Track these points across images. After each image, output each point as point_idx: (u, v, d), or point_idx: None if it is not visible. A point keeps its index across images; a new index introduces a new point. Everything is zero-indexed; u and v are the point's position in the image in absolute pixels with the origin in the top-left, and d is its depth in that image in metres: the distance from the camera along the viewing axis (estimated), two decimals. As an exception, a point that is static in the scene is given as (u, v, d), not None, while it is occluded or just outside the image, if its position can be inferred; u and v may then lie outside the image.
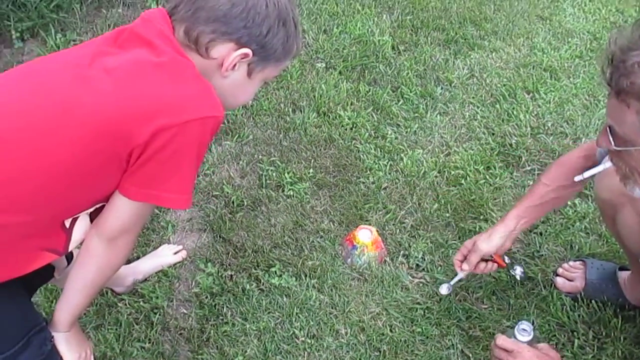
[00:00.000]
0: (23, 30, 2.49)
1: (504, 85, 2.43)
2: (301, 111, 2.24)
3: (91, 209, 1.00)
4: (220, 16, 0.93)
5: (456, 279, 1.57)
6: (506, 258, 1.55)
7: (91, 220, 1.01)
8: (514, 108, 2.31)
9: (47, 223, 0.96)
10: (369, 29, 2.62)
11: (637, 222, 1.38)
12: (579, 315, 1.63)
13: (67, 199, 0.94)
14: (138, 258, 1.71)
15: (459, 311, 1.64)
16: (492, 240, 1.47)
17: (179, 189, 0.96)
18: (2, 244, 0.92)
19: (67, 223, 0.99)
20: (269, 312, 1.62)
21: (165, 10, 0.98)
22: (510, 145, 2.15)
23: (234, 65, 0.97)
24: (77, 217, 0.99)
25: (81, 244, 1.03)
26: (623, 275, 1.65)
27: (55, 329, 1.09)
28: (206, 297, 1.65)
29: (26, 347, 1.02)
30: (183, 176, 0.95)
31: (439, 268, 1.76)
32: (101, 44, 0.96)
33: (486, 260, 1.51)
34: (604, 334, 1.58)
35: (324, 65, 2.45)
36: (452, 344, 1.57)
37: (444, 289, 1.59)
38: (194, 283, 1.70)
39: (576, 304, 1.66)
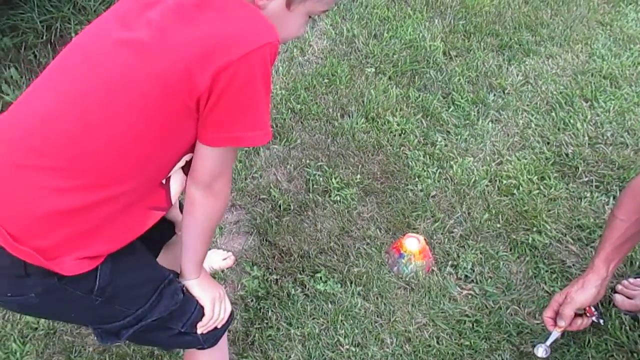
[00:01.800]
0: (82, 33, 2.59)
1: (561, 92, 2.34)
2: (350, 116, 2.22)
3: (182, 163, 1.00)
4: None
5: (551, 339, 1.41)
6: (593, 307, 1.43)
7: (185, 172, 1.03)
8: (570, 116, 2.22)
9: (145, 186, 0.98)
10: (420, 34, 2.59)
11: None
12: (639, 336, 1.54)
13: (160, 156, 0.95)
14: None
15: (509, 325, 1.58)
16: (587, 290, 1.34)
17: (254, 125, 0.93)
18: (111, 215, 0.94)
19: (163, 180, 1.00)
20: (313, 318, 1.61)
21: None
22: (567, 155, 2.07)
23: None
24: (170, 179, 1.01)
25: (184, 194, 1.05)
26: (689, 295, 1.56)
27: (185, 278, 1.13)
28: (251, 300, 1.66)
29: (159, 299, 1.05)
30: (255, 111, 0.92)
31: (489, 280, 1.70)
32: None
33: (580, 315, 1.39)
34: (666, 356, 1.50)
35: (373, 70, 2.43)
36: (502, 360, 1.52)
37: (540, 351, 1.41)
38: (239, 286, 1.71)
39: (636, 323, 1.57)
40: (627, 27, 2.70)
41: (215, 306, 1.15)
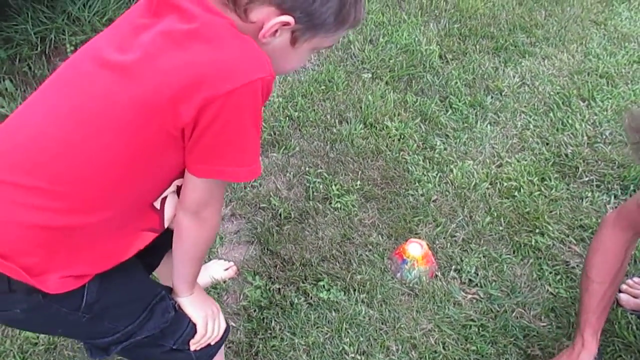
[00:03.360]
0: (77, 43, 2.57)
1: (558, 93, 2.34)
2: (348, 122, 2.22)
3: (173, 188, 0.98)
4: None
5: None
6: None
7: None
8: (568, 117, 2.22)
9: (135, 209, 0.96)
10: (416, 39, 2.59)
11: None
12: (646, 336, 1.54)
13: (142, 183, 0.92)
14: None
15: (515, 329, 1.57)
16: None
17: (240, 161, 0.89)
18: (96, 238, 0.92)
19: (157, 204, 0.98)
20: (317, 327, 1.60)
21: None
22: (566, 155, 2.07)
23: (275, 31, 0.86)
24: (166, 197, 0.99)
25: None
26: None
27: (177, 295, 1.11)
28: (254, 311, 1.64)
29: (150, 317, 1.03)
30: (242, 147, 0.88)
31: (493, 283, 1.69)
32: (136, 15, 0.90)
33: None
34: (674, 356, 1.49)
35: (370, 75, 2.43)
36: (509, 364, 1.50)
37: None
38: (242, 296, 1.69)
39: (642, 323, 1.57)
40: (621, 26, 2.71)
41: (208, 324, 1.12)
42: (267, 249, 1.80)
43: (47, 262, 0.89)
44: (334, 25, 0.89)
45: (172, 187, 0.98)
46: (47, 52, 2.57)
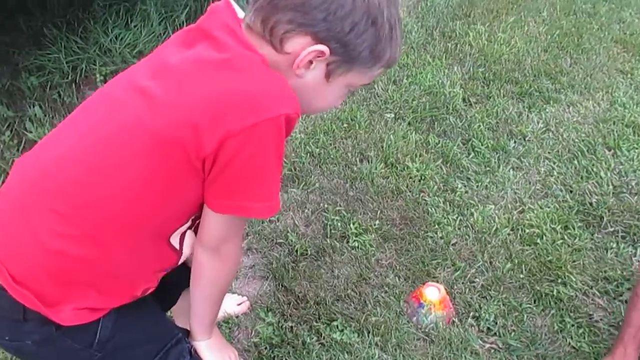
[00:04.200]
0: (107, 73, 2.64)
1: (582, 140, 2.31)
2: (369, 161, 2.21)
3: (190, 223, 0.96)
4: (299, 4, 0.81)
5: None
6: None
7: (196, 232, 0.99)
8: (593, 165, 2.19)
9: (152, 245, 0.94)
10: (439, 81, 2.60)
11: None
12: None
13: (160, 214, 0.91)
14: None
15: (535, 383, 1.51)
16: None
17: (262, 197, 0.87)
18: (114, 270, 0.91)
19: (175, 243, 0.96)
20: (329, 369, 1.55)
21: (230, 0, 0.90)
22: (591, 204, 2.03)
23: (310, 63, 0.85)
24: (184, 235, 0.97)
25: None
26: None
27: (194, 338, 1.08)
28: (265, 348, 1.61)
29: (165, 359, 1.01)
30: (264, 182, 0.86)
31: (513, 333, 1.64)
32: (172, 45, 0.90)
33: None
34: None
35: (392, 115, 2.44)
36: (528, 420, 1.44)
37: None
38: (253, 332, 1.66)
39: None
40: (649, 76, 2.70)
41: None
42: (282, 285, 1.77)
43: (62, 292, 0.89)
44: (370, 60, 0.87)
45: (189, 223, 0.96)
46: (77, 81, 2.64)
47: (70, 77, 2.61)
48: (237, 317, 1.70)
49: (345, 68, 0.87)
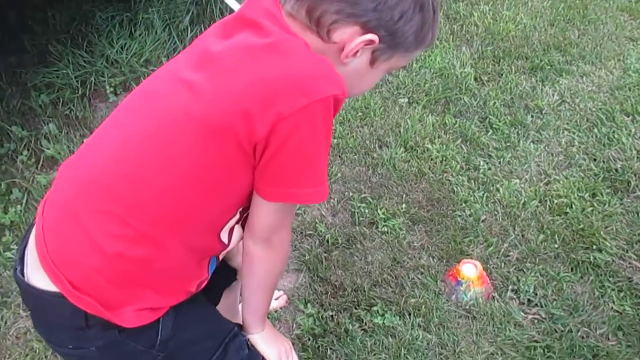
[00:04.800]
0: (116, 85, 2.65)
1: (600, 109, 2.31)
2: (388, 147, 2.21)
3: (238, 216, 0.95)
4: None
5: None
6: None
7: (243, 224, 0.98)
8: (614, 132, 2.18)
9: (205, 239, 0.94)
10: (449, 62, 2.59)
11: None
12: None
13: (213, 206, 0.90)
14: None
15: (583, 349, 1.50)
16: None
17: (314, 182, 0.86)
18: (173, 270, 0.91)
19: (225, 237, 0.96)
20: (375, 354, 1.55)
21: None
22: (616, 170, 2.02)
23: (357, 51, 0.85)
24: (232, 230, 0.97)
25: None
26: None
27: (248, 332, 1.07)
28: (308, 339, 1.60)
29: (225, 354, 1.00)
30: (315, 167, 0.86)
31: (554, 303, 1.63)
32: (210, 36, 0.90)
33: None
34: None
35: (406, 100, 2.43)
36: (581, 386, 1.43)
37: None
38: (294, 325, 1.66)
39: None
40: (658, 40, 2.69)
41: None
42: (317, 276, 1.77)
43: (121, 295, 0.88)
44: (414, 45, 0.88)
45: (237, 216, 0.95)
46: (87, 95, 2.64)
47: (80, 92, 2.61)
48: (276, 311, 1.69)
49: (389, 54, 0.88)
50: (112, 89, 2.65)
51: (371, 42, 0.84)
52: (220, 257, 1.02)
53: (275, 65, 0.81)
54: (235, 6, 2.50)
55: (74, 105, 2.58)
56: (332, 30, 0.84)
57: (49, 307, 0.90)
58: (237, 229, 0.98)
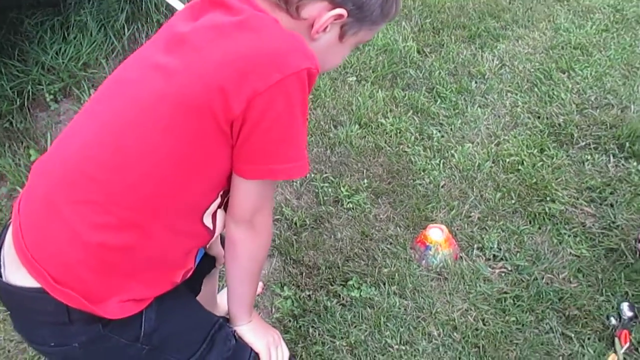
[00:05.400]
0: (56, 92, 2.55)
1: (537, 69, 2.42)
2: (343, 126, 2.24)
3: (220, 200, 0.95)
4: None
5: None
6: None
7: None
8: (553, 89, 2.30)
9: (187, 223, 0.93)
10: (392, 38, 2.64)
11: None
12: (673, 279, 1.58)
13: (194, 187, 0.89)
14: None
15: (549, 294, 1.59)
16: None
17: (293, 157, 0.87)
18: (153, 255, 0.90)
19: (209, 223, 0.95)
20: (356, 326, 1.59)
21: None
22: (559, 124, 2.13)
23: (326, 27, 0.87)
24: (216, 213, 0.96)
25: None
26: None
27: (235, 323, 1.06)
28: (289, 321, 1.62)
29: (211, 346, 0.98)
30: (293, 142, 0.86)
31: (518, 255, 1.72)
32: (179, 20, 0.90)
33: None
34: None
35: (355, 78, 2.47)
36: (551, 327, 1.52)
37: None
38: (273, 309, 1.67)
39: (667, 268, 1.61)
40: (583, 0, 2.83)
41: (271, 352, 1.07)
42: (290, 259, 1.79)
43: (105, 286, 0.87)
44: (380, 18, 0.90)
45: (219, 200, 0.95)
46: (26, 105, 2.53)
47: (18, 103, 2.50)
48: (253, 297, 1.70)
49: (357, 27, 0.90)
50: (52, 97, 2.55)
51: (340, 16, 0.86)
52: (208, 246, 1.01)
53: (247, 42, 0.82)
54: (179, 5, 2.45)
55: (13, 117, 2.47)
56: (301, 7, 0.85)
57: (30, 304, 0.88)
58: (221, 214, 0.98)
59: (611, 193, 1.85)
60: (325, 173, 2.05)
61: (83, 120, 0.91)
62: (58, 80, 2.57)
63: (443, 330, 1.55)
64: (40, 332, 0.91)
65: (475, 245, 1.76)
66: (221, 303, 1.55)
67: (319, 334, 1.58)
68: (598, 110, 2.17)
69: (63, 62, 2.63)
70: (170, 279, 0.96)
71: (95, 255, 0.85)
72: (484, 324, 1.55)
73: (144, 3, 2.85)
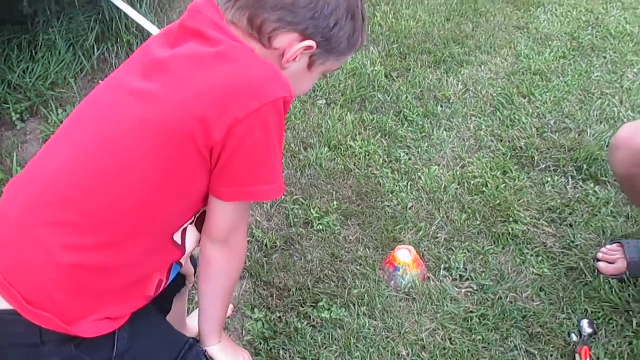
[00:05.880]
0: (22, 111, 2.52)
1: (500, 94, 2.51)
2: (312, 148, 2.27)
3: (194, 218, 0.98)
4: (288, 4, 0.87)
5: None
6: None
7: (198, 228, 1.00)
8: (514, 113, 2.39)
9: (160, 242, 0.94)
10: (360, 62, 2.71)
11: None
12: (629, 295, 1.65)
13: (172, 209, 0.92)
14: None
15: (514, 312, 1.64)
16: None
17: (269, 179, 0.92)
18: (130, 276, 0.91)
19: (178, 239, 0.97)
20: (326, 347, 1.60)
21: None
22: (521, 148, 2.21)
23: (296, 57, 0.92)
24: (186, 230, 0.98)
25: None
26: (662, 249, 1.69)
27: (205, 344, 1.07)
28: (260, 343, 1.63)
29: None
30: (270, 165, 0.91)
31: (483, 274, 1.77)
32: (155, 46, 0.92)
33: None
34: (658, 309, 1.61)
35: (324, 102, 2.51)
36: (515, 345, 1.57)
37: None
38: (244, 332, 1.67)
39: (623, 285, 1.68)
40: (542, 27, 2.96)
41: None
42: (260, 281, 1.80)
43: (80, 306, 0.88)
44: (347, 49, 0.96)
45: (192, 219, 0.98)
46: (-8, 125, 2.49)
47: (-17, 123, 2.46)
48: (223, 320, 1.70)
49: (325, 58, 0.95)
50: (18, 116, 2.51)
51: (309, 47, 0.91)
52: (184, 259, 1.03)
53: (227, 72, 0.86)
54: (154, 30, 2.46)
55: (-21, 138, 2.43)
56: (273, 38, 0.90)
57: (1, 327, 0.88)
58: (191, 230, 1.00)
59: (570, 214, 1.93)
60: (296, 195, 2.07)
61: (59, 142, 0.92)
62: (25, 100, 2.54)
63: (412, 350, 1.58)
64: (11, 355, 0.91)
65: (443, 266, 1.81)
66: (191, 325, 1.55)
67: (289, 356, 1.59)
68: (557, 134, 2.26)
69: (30, 81, 2.60)
70: (144, 294, 0.97)
71: (69, 276, 0.86)
72: (452, 344, 1.59)
73: (114, 23, 2.85)
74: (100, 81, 2.71)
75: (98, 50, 2.76)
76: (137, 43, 2.81)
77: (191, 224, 0.98)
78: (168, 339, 1.04)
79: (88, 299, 0.88)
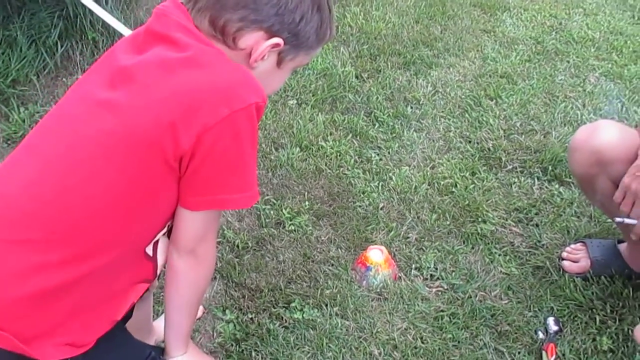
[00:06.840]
0: (-18, 110, 2.43)
1: (468, 95, 2.56)
2: (284, 148, 2.27)
3: (165, 229, 0.95)
4: (250, 2, 0.84)
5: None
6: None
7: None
8: (482, 115, 2.43)
9: (129, 257, 0.91)
10: (331, 63, 2.71)
11: (611, 187, 1.47)
12: (592, 293, 1.70)
13: (140, 223, 0.89)
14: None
15: (483, 311, 1.67)
16: None
17: (241, 187, 0.89)
18: (96, 293, 0.88)
19: (150, 251, 0.94)
20: (298, 348, 1.60)
21: (178, 0, 0.90)
22: (488, 149, 2.26)
23: (264, 55, 0.89)
24: (157, 242, 0.95)
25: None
26: (622, 247, 1.74)
27: (170, 354, 1.04)
28: (231, 345, 1.61)
29: None
30: (241, 173, 0.88)
31: (453, 274, 1.79)
32: (121, 52, 0.89)
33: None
34: (620, 305, 1.66)
35: (295, 102, 2.51)
36: (484, 343, 1.59)
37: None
38: (215, 333, 1.65)
39: (587, 283, 1.73)
40: (508, 31, 3.03)
41: None
42: (232, 282, 1.78)
43: (41, 327, 0.84)
44: (315, 43, 0.94)
45: (164, 229, 0.95)
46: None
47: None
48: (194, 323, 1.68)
49: (294, 53, 0.93)
50: (-23, 115, 2.43)
51: (277, 45, 0.89)
52: (157, 273, 1.00)
53: (195, 78, 0.83)
54: (120, 27, 2.41)
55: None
56: (238, 37, 0.88)
57: None
58: (163, 241, 0.97)
59: (536, 214, 1.98)
60: (267, 195, 2.06)
61: (24, 157, 0.88)
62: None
63: (384, 350, 1.59)
64: None
65: (414, 266, 1.83)
66: (158, 329, 1.52)
67: (262, 358, 1.57)
68: (523, 136, 2.32)
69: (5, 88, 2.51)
70: (111, 317, 0.94)
71: (32, 295, 0.83)
72: (423, 342, 1.60)
73: (78, 20, 2.77)
74: (64, 79, 2.64)
75: (61, 47, 2.69)
76: (103, 40, 2.75)
77: (164, 234, 0.96)
78: (127, 353, 1.00)
79: (51, 318, 0.85)
